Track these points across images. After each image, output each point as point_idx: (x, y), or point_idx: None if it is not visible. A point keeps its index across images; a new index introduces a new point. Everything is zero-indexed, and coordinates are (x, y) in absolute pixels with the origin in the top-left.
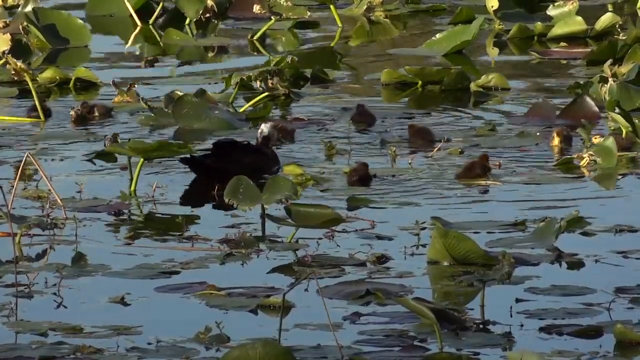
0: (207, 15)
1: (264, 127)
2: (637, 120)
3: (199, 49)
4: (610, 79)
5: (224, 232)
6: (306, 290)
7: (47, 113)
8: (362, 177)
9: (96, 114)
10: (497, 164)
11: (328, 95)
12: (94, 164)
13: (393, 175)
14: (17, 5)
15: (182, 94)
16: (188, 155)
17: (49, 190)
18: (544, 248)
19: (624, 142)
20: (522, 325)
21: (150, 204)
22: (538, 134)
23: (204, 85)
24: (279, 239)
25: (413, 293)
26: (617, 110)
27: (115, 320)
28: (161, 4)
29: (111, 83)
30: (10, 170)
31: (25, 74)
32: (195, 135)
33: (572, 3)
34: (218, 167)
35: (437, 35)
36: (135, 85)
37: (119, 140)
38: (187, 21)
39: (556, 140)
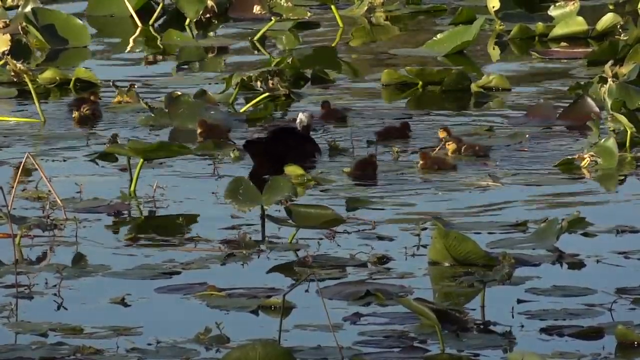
0: (207, 15)
1: (303, 117)
2: None
3: (199, 49)
4: (609, 79)
5: (225, 234)
6: (306, 291)
7: (99, 115)
8: (367, 170)
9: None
10: (495, 164)
11: (328, 95)
12: (97, 164)
13: (398, 175)
14: (17, 6)
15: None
16: (252, 138)
17: (49, 191)
18: (545, 249)
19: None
20: (522, 326)
21: (150, 204)
22: (527, 135)
23: (205, 86)
24: (279, 240)
25: (413, 294)
26: (622, 110)
27: (116, 321)
28: (161, 5)
29: (111, 84)
30: (10, 171)
31: (25, 75)
32: (190, 135)
33: (573, 3)
34: (278, 152)
35: (438, 36)
36: (135, 86)
37: (118, 140)
38: (187, 22)
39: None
